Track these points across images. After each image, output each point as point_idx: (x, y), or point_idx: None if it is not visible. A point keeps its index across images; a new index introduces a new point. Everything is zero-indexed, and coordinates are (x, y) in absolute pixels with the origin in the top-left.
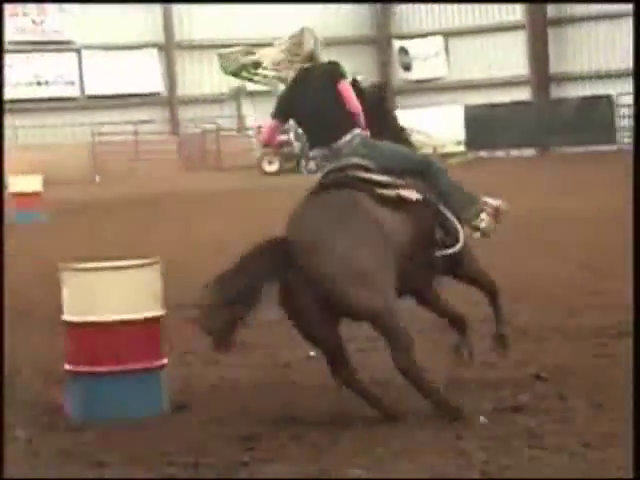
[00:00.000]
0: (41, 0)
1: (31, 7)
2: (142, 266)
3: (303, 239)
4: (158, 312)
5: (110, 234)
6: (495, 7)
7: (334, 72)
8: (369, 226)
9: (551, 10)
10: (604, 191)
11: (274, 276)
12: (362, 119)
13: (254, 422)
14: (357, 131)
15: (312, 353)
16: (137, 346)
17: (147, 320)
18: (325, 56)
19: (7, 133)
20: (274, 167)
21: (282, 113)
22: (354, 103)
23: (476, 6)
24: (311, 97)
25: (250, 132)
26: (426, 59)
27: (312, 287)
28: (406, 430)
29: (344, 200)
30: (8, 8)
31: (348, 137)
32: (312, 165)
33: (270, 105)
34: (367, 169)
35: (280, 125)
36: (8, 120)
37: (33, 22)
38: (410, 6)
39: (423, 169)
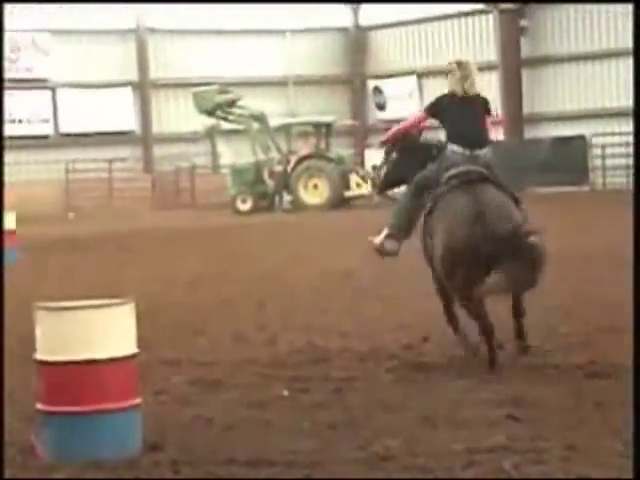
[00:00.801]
0: (42, 0)
1: (5, 44)
2: (116, 305)
3: (496, 211)
4: (132, 351)
5: (83, 272)
6: (469, 47)
7: (488, 106)
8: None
9: (525, 51)
10: (574, 232)
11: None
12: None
13: (227, 463)
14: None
15: (285, 392)
16: (110, 385)
17: (121, 359)
18: (299, 94)
19: None
20: (248, 205)
21: (434, 112)
22: (491, 132)
23: (450, 46)
24: (469, 112)
25: (224, 170)
26: (400, 99)
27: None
28: (384, 473)
29: (499, 189)
30: None
31: (485, 150)
32: (286, 204)
33: (245, 143)
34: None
35: (426, 118)
36: None
37: (9, 60)
38: (384, 45)
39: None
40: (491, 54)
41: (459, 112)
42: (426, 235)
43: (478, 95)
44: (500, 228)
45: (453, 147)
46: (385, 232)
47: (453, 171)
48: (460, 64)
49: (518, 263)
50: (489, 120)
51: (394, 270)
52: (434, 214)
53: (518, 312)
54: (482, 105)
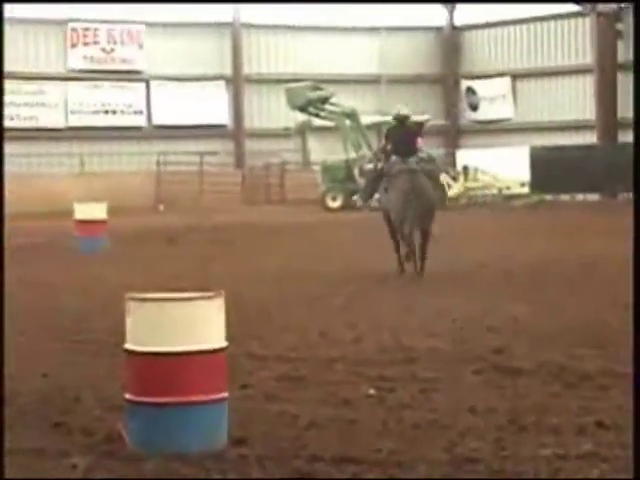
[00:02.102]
0: (43, 0)
1: (102, 36)
2: (206, 298)
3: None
4: (220, 344)
5: (172, 264)
6: (565, 50)
7: (418, 131)
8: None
9: (621, 55)
10: None
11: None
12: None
13: (312, 459)
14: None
15: (372, 391)
16: (199, 378)
17: (209, 352)
18: (391, 92)
19: (74, 160)
20: (338, 202)
21: (387, 138)
22: (419, 145)
23: (545, 48)
24: (404, 136)
25: (314, 167)
26: (493, 100)
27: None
28: (470, 476)
29: (424, 176)
30: (78, 37)
31: (413, 158)
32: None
33: (336, 140)
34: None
35: (386, 143)
36: (75, 147)
37: (103, 51)
38: (479, 46)
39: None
40: (587, 57)
41: (398, 137)
42: (385, 203)
43: (414, 124)
44: (422, 196)
45: (394, 158)
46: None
47: (397, 167)
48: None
49: (427, 214)
50: (419, 139)
51: (482, 273)
52: (389, 190)
53: (425, 239)
54: (414, 131)
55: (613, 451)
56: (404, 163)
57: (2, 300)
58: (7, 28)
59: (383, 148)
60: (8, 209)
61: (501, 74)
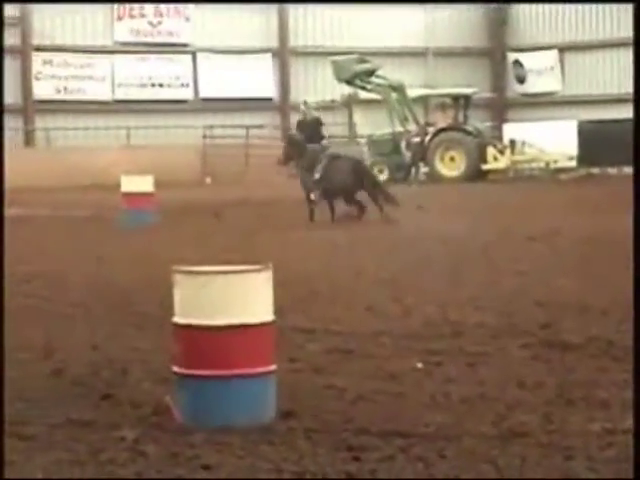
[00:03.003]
0: (44, 0)
1: (149, 9)
2: (254, 272)
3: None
4: (268, 318)
5: (219, 237)
6: (613, 22)
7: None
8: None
9: None
10: None
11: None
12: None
13: (360, 433)
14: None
15: (419, 365)
16: (247, 351)
17: (257, 325)
18: (438, 65)
19: (120, 133)
20: (384, 176)
21: (299, 129)
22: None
23: (593, 20)
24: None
25: (361, 140)
26: (540, 73)
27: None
28: (518, 449)
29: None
30: (125, 9)
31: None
32: (421, 176)
33: (382, 114)
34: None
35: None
36: (121, 121)
37: (150, 24)
38: (526, 18)
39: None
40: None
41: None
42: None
43: (316, 118)
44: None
45: (312, 145)
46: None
47: (329, 153)
48: (305, 103)
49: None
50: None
51: (530, 246)
52: (323, 172)
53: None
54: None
55: None
56: (318, 148)
57: (2, 298)
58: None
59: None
60: (56, 182)
61: (549, 47)
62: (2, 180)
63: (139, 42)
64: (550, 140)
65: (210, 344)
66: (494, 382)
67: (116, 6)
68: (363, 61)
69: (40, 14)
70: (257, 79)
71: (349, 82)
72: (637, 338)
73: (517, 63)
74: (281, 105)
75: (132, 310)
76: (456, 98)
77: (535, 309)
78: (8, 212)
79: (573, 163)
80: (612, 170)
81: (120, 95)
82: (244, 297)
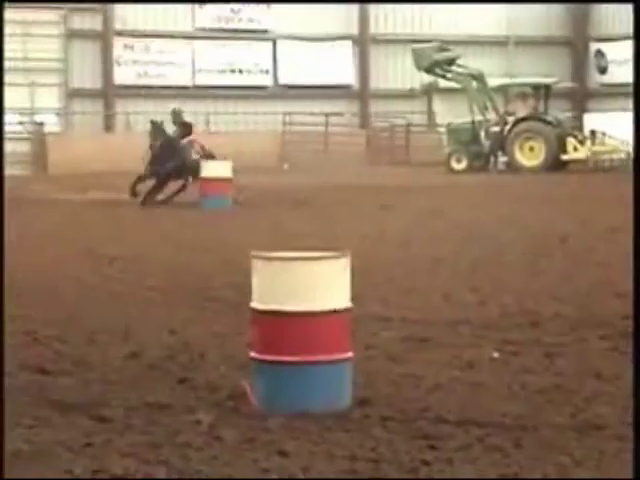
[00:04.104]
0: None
1: None
2: (332, 258)
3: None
4: (345, 305)
5: (297, 224)
6: None
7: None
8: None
9: None
10: None
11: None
12: None
13: (436, 421)
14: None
15: (496, 354)
16: (324, 338)
17: (334, 312)
18: (519, 55)
19: (200, 119)
20: (462, 165)
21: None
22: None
23: None
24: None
25: (440, 129)
26: (622, 63)
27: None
28: (596, 442)
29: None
30: None
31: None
32: (500, 165)
33: (461, 102)
34: None
35: None
36: (201, 106)
37: (231, 10)
38: (609, 8)
39: None
40: None
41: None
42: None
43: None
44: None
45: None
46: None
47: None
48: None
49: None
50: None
51: (610, 237)
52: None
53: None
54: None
55: None
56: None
57: (2, 295)
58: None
59: None
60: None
61: (631, 37)
62: (2, 179)
63: (220, 28)
64: (631, 131)
65: (287, 330)
66: (572, 373)
67: None
68: (443, 49)
69: None
70: (337, 66)
71: (429, 70)
72: (637, 339)
73: (599, 53)
74: (361, 93)
75: (209, 295)
76: (536, 87)
77: (614, 300)
78: (87, 197)
79: None
80: None
81: (200, 81)
82: (321, 284)
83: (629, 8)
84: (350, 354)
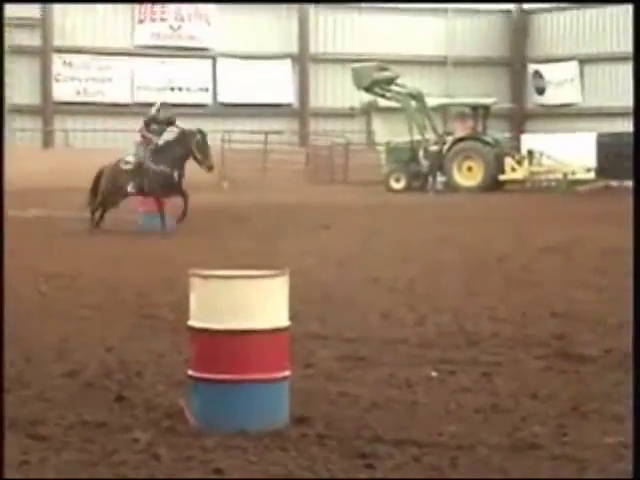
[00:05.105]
0: (44, 0)
1: (169, 13)
2: (270, 277)
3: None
4: (283, 323)
5: (236, 242)
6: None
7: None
8: None
9: None
10: None
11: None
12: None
13: (373, 440)
14: None
15: (434, 373)
16: (262, 356)
17: (272, 331)
18: (458, 75)
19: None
20: (401, 184)
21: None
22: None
23: (614, 32)
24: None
25: (379, 148)
26: (560, 84)
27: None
28: (531, 461)
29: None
30: (146, 13)
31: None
32: (439, 185)
33: (401, 122)
34: None
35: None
36: (139, 124)
37: (170, 28)
38: (547, 29)
39: None
40: None
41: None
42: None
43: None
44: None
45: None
46: None
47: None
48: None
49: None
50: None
51: (546, 257)
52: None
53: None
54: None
55: None
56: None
57: (2, 296)
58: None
59: None
60: (73, 183)
61: (569, 58)
62: (2, 180)
63: (159, 45)
64: (568, 152)
65: (225, 348)
66: (508, 393)
67: (137, 9)
68: (383, 69)
69: (61, 15)
70: (276, 85)
71: (368, 89)
72: (637, 340)
73: (537, 74)
74: (300, 111)
75: (147, 313)
76: (475, 108)
77: (550, 320)
78: (27, 213)
79: (591, 175)
80: (630, 183)
81: (139, 98)
82: (259, 302)
83: (567, 29)
84: (288, 372)
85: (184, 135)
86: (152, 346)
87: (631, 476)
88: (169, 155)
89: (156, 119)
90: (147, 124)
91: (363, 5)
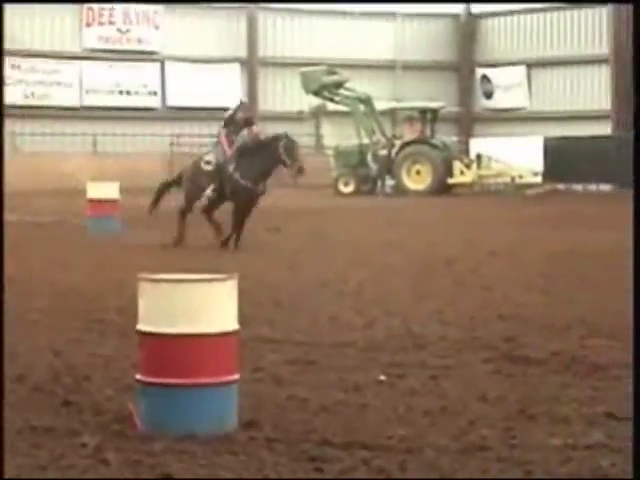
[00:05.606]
0: (43, 0)
1: (117, 16)
2: (219, 280)
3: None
4: (232, 327)
5: (185, 245)
6: (581, 39)
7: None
8: None
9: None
10: None
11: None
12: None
13: (322, 444)
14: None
15: (382, 377)
16: (211, 360)
17: (221, 334)
18: (406, 79)
19: (87, 140)
20: (350, 188)
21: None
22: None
23: (561, 37)
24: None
25: (328, 152)
26: (508, 88)
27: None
28: (479, 463)
29: None
30: (94, 16)
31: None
32: (388, 188)
33: (349, 125)
34: None
35: None
36: (88, 127)
37: (118, 31)
38: (495, 34)
39: None
40: (603, 47)
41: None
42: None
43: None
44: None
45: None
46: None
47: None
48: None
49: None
50: None
51: (494, 260)
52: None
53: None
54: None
55: (623, 442)
56: None
57: (1, 298)
58: (24, 5)
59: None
60: (21, 186)
61: (516, 62)
62: (2, 182)
63: (107, 49)
64: (516, 155)
65: (173, 352)
66: (456, 396)
67: (85, 12)
68: (332, 73)
69: (9, 18)
70: (225, 88)
71: (317, 93)
72: (637, 341)
73: (485, 78)
74: None
75: (96, 317)
76: (423, 112)
77: (498, 323)
78: None
79: (539, 179)
80: (577, 186)
81: (88, 102)
82: (209, 306)
83: (515, 34)
84: (237, 376)
85: (272, 140)
86: (100, 350)
87: (631, 476)
88: (256, 166)
89: (234, 119)
90: (226, 125)
91: (311, 9)
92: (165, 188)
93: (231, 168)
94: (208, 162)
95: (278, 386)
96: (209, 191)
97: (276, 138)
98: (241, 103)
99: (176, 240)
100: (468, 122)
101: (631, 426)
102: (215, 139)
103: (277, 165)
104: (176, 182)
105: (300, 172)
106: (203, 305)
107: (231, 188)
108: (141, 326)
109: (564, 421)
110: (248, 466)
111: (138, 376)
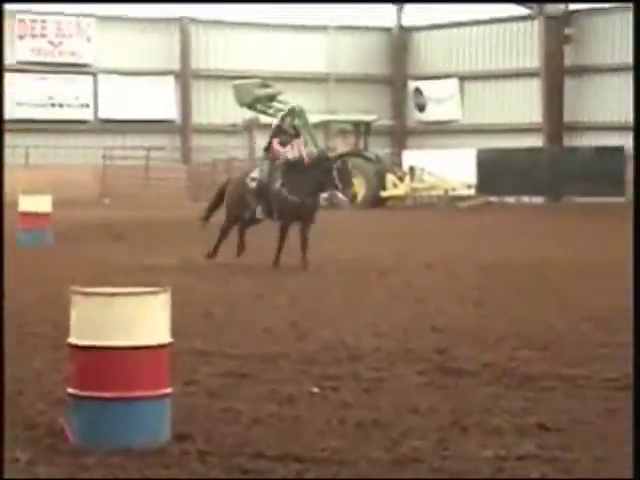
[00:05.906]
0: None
1: (50, 28)
2: (152, 294)
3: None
4: (165, 340)
5: (117, 258)
6: (512, 52)
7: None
8: None
9: (568, 59)
10: (606, 243)
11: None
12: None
13: (255, 456)
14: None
15: (315, 389)
16: (143, 373)
17: (154, 347)
18: (339, 91)
19: (19, 152)
20: None
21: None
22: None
23: (493, 50)
24: None
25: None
26: (440, 101)
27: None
28: (412, 475)
29: None
30: (27, 28)
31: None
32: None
33: None
34: None
35: None
36: (20, 140)
37: (50, 43)
38: (427, 47)
39: None
40: (534, 60)
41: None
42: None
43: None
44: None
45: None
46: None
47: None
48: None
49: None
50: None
51: (427, 272)
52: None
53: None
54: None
55: (554, 453)
56: None
57: (1, 299)
58: None
59: None
60: None
61: (449, 75)
62: (2, 185)
63: (40, 62)
64: (449, 168)
65: (106, 366)
66: (389, 408)
67: (17, 24)
68: (265, 86)
69: None
70: (158, 101)
71: (250, 106)
72: (637, 342)
73: (417, 91)
74: (182, 127)
75: (27, 330)
76: (356, 124)
77: (431, 335)
78: None
79: (472, 191)
80: (510, 199)
81: (20, 114)
82: (141, 319)
83: (447, 47)
84: (169, 389)
85: (324, 160)
86: (32, 364)
87: (632, 476)
88: (306, 183)
89: (282, 129)
90: (275, 135)
91: (244, 21)
92: (212, 211)
93: (278, 185)
94: (253, 179)
95: (211, 399)
96: (258, 213)
97: (330, 160)
98: (290, 110)
99: (237, 253)
100: (401, 135)
101: (562, 437)
102: (262, 154)
103: (329, 187)
104: (216, 203)
105: (350, 200)
106: (135, 318)
107: (278, 204)
108: (73, 339)
109: (496, 432)
110: (181, 479)
111: (69, 390)
